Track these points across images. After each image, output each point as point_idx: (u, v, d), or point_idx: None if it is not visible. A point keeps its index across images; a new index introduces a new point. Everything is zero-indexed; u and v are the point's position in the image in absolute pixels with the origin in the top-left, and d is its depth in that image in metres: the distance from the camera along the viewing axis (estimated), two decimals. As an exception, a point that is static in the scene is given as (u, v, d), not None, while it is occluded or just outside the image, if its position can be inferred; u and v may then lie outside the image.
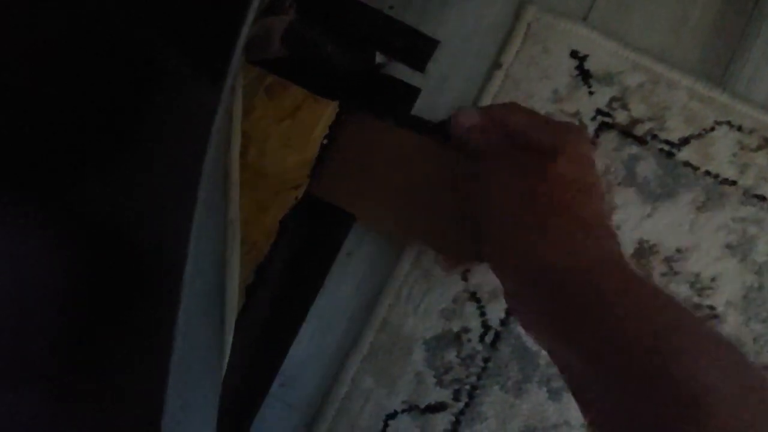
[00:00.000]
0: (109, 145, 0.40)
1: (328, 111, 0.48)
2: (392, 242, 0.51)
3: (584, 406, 0.36)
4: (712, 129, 0.51)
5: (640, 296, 0.35)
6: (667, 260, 0.50)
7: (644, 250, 0.50)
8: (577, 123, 0.51)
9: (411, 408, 0.49)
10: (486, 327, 0.50)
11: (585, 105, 0.51)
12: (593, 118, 0.51)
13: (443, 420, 0.49)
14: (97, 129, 0.40)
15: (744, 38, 0.52)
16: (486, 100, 0.51)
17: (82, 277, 0.37)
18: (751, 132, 0.51)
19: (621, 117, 0.51)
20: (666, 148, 0.51)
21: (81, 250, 0.38)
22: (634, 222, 0.51)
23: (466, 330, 0.50)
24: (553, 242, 0.38)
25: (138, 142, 0.41)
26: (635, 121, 0.51)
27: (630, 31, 0.52)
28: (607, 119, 0.51)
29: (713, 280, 0.50)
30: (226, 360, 0.41)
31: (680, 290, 0.50)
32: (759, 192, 0.50)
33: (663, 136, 0.51)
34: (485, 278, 0.50)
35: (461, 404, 0.49)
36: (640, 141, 0.51)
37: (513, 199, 0.40)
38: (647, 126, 0.51)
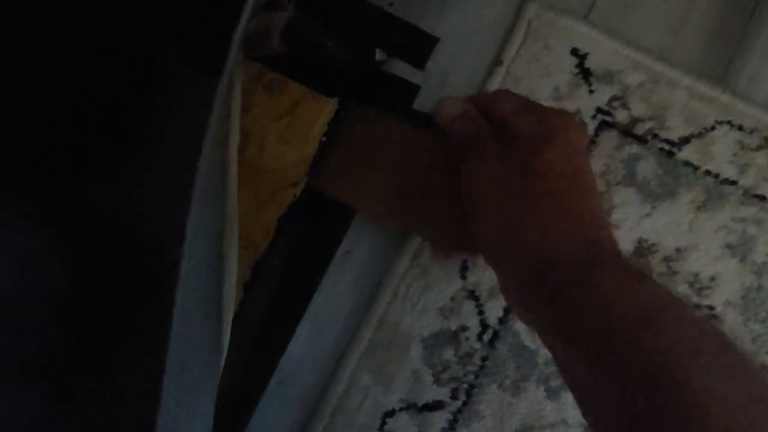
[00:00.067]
0: (109, 145, 0.41)
1: (327, 108, 0.48)
2: (390, 239, 0.51)
3: (584, 406, 0.36)
4: (713, 128, 0.51)
5: (639, 294, 0.35)
6: (666, 260, 0.50)
7: (643, 249, 0.50)
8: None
9: (408, 406, 0.50)
10: (484, 325, 0.50)
11: (585, 103, 0.51)
12: (593, 117, 0.51)
13: (441, 418, 0.49)
14: (98, 129, 0.40)
15: (745, 38, 0.52)
16: (486, 98, 0.51)
17: (82, 277, 0.37)
18: (752, 132, 0.50)
19: (621, 116, 0.51)
20: (666, 147, 0.51)
21: (81, 250, 0.38)
22: (633, 221, 0.51)
23: (464, 328, 0.50)
24: (542, 233, 0.37)
25: (138, 142, 0.41)
26: (635, 120, 0.51)
27: (631, 30, 0.52)
28: (607, 118, 0.51)
29: (712, 279, 0.50)
30: (224, 357, 0.41)
31: (679, 290, 0.50)
32: (759, 192, 0.50)
33: (663, 135, 0.51)
34: (484, 276, 0.50)
35: (459, 403, 0.49)
36: (641, 140, 0.51)
37: (501, 190, 0.39)
38: (647, 125, 0.51)
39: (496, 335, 0.50)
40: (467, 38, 0.52)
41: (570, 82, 0.51)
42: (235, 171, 0.41)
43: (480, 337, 0.50)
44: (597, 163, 0.51)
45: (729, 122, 0.51)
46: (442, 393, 0.50)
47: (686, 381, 0.30)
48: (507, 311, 0.50)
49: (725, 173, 0.50)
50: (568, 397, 0.49)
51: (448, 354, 0.50)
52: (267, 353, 0.50)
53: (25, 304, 0.35)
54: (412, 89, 0.51)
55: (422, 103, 0.51)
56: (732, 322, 0.50)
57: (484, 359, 0.50)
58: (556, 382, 0.49)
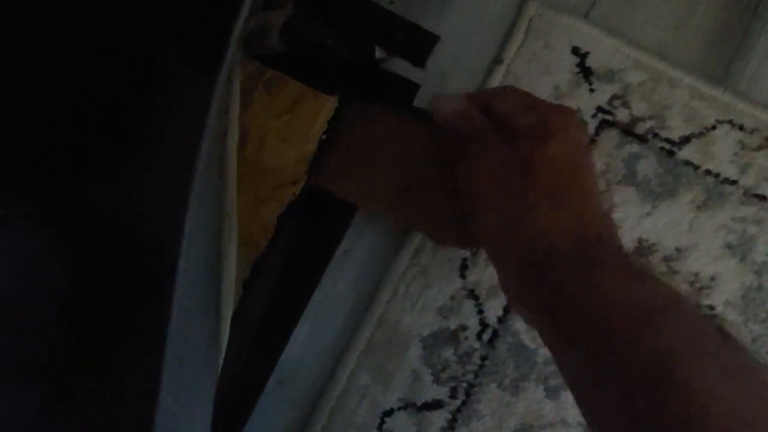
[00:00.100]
0: (109, 145, 0.41)
1: (326, 106, 0.47)
2: (390, 237, 0.51)
3: (583, 406, 0.36)
4: (714, 128, 0.50)
5: (639, 294, 0.35)
6: (666, 259, 0.50)
7: (643, 249, 0.50)
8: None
9: (407, 405, 0.50)
10: (483, 325, 0.50)
11: (586, 102, 0.51)
12: (594, 116, 0.51)
13: (440, 417, 0.49)
14: (98, 129, 0.40)
15: (746, 37, 0.52)
16: (486, 97, 0.51)
17: (82, 277, 0.37)
18: (753, 131, 0.50)
19: (622, 115, 0.51)
20: (667, 146, 0.51)
21: (81, 250, 0.38)
22: (633, 221, 0.51)
23: (463, 327, 0.50)
24: (542, 233, 0.37)
25: (138, 142, 0.41)
26: (636, 119, 0.51)
27: (632, 29, 0.52)
28: (607, 117, 0.51)
29: (712, 279, 0.50)
30: (223, 355, 0.41)
31: (679, 290, 0.50)
32: (759, 192, 0.50)
33: (664, 134, 0.51)
34: (483, 276, 0.50)
35: (458, 402, 0.50)
36: (641, 139, 0.51)
37: (501, 189, 0.39)
38: (648, 124, 0.51)
39: (495, 334, 0.50)
40: (467, 37, 0.52)
41: (570, 80, 0.51)
42: (234, 168, 0.41)
43: (479, 336, 0.50)
44: (597, 162, 0.51)
45: (730, 122, 0.50)
46: (441, 392, 0.50)
47: (686, 381, 0.30)
48: (506, 310, 0.50)
49: (726, 173, 0.50)
50: (567, 397, 0.49)
51: (448, 353, 0.50)
52: (266, 352, 0.50)
53: (25, 304, 0.35)
54: (412, 88, 0.51)
55: (422, 102, 0.51)
56: (732, 322, 0.50)
57: (483, 358, 0.50)
58: (556, 381, 0.49)
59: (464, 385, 0.50)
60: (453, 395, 0.50)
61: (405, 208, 0.47)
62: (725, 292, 0.50)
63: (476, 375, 0.50)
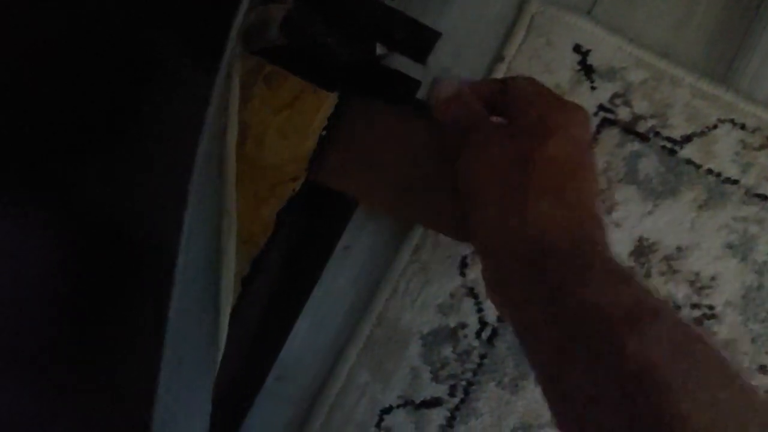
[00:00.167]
0: (110, 144, 0.41)
1: (326, 102, 0.47)
2: (391, 234, 0.51)
3: (560, 418, 0.36)
4: (715, 127, 0.50)
5: (621, 297, 0.34)
6: (667, 258, 0.50)
7: (644, 248, 0.50)
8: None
9: (406, 403, 0.50)
10: (483, 323, 0.50)
11: (587, 100, 0.51)
12: (595, 114, 0.51)
13: (438, 415, 0.50)
14: (98, 129, 0.40)
15: (748, 36, 0.51)
16: (487, 94, 0.51)
17: (82, 277, 0.37)
18: (755, 131, 0.50)
19: (623, 113, 0.51)
20: (668, 145, 0.50)
21: (81, 250, 0.38)
22: (634, 219, 0.50)
23: (462, 325, 0.50)
24: (542, 231, 0.37)
25: (138, 141, 0.41)
26: (637, 118, 0.51)
27: (634, 27, 0.52)
28: (609, 115, 0.51)
29: (713, 279, 0.50)
30: (221, 352, 0.41)
31: (679, 289, 0.50)
32: (761, 191, 0.50)
33: (665, 133, 0.50)
34: (483, 274, 0.50)
35: (456, 400, 0.50)
36: (642, 138, 0.51)
37: (501, 184, 0.39)
38: (649, 123, 0.50)
39: (494, 333, 0.50)
40: (469, 34, 0.52)
41: (572, 78, 0.51)
42: (234, 165, 0.41)
43: (479, 334, 0.50)
44: (598, 161, 0.51)
45: (731, 121, 0.50)
46: (440, 390, 0.50)
47: (667, 386, 0.30)
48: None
49: (727, 172, 0.50)
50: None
51: (447, 351, 0.50)
52: (265, 348, 0.50)
53: (24, 303, 0.35)
54: (413, 84, 0.51)
55: (422, 97, 0.51)
56: (732, 321, 0.50)
57: (482, 357, 0.50)
58: (554, 380, 0.49)
59: (463, 383, 0.50)
60: (452, 393, 0.50)
61: (405, 206, 0.47)
62: (726, 291, 0.50)
63: (475, 373, 0.50)
